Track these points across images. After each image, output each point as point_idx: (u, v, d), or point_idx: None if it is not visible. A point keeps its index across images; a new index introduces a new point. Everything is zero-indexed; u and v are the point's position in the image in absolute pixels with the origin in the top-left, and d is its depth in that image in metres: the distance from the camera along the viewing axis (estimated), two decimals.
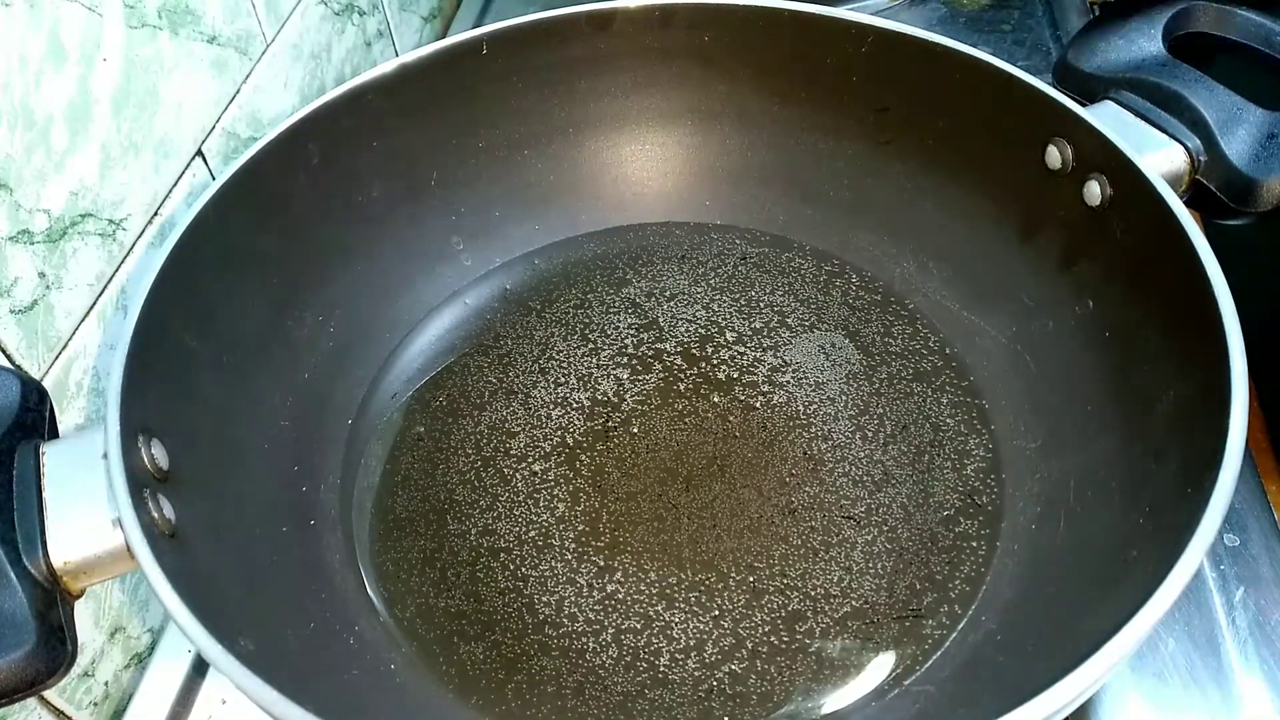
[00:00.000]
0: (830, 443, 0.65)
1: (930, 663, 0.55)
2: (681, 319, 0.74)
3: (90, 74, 0.59)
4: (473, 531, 0.63)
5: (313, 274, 0.70)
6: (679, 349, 0.72)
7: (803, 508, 0.62)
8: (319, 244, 0.70)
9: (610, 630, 0.58)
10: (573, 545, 0.62)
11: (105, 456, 0.48)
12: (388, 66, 0.70)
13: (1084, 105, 0.62)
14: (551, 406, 0.69)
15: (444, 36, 0.83)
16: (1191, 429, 0.50)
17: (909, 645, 0.56)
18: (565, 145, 0.80)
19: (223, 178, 0.62)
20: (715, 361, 0.71)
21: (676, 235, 0.81)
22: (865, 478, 0.64)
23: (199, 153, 0.71)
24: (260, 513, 0.60)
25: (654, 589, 0.59)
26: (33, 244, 0.56)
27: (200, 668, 0.66)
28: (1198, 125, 0.61)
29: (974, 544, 0.60)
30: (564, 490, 0.64)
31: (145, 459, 0.50)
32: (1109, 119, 0.62)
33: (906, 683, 0.55)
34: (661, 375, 0.70)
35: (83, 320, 0.60)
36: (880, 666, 0.56)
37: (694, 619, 0.58)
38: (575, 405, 0.69)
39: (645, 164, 0.82)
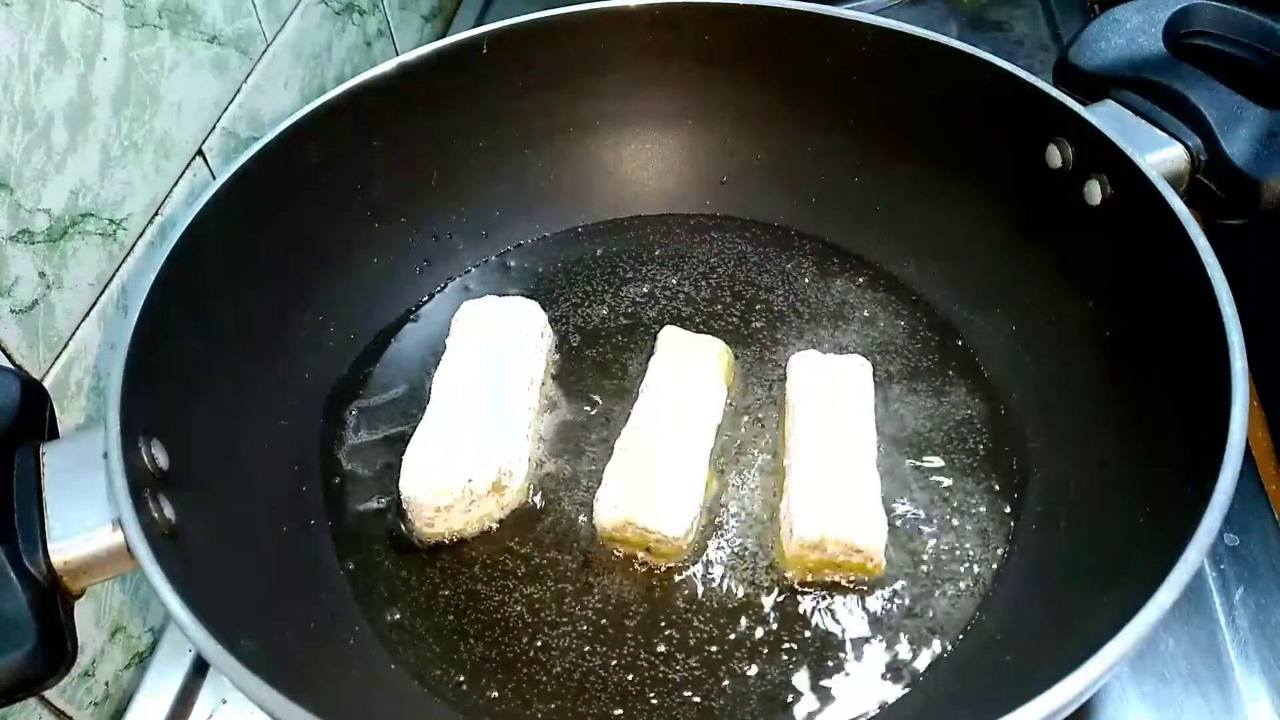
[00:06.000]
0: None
1: (931, 663, 0.55)
2: (681, 319, 0.74)
3: (90, 74, 0.59)
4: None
5: (313, 274, 0.70)
6: None
7: None
8: (319, 244, 0.70)
9: (611, 630, 0.58)
10: (574, 542, 0.62)
11: (105, 456, 0.48)
12: (388, 66, 0.70)
13: (1084, 105, 0.62)
14: (552, 405, 0.69)
15: (444, 36, 0.83)
16: (1191, 429, 0.50)
17: (911, 645, 0.56)
18: (565, 145, 0.80)
19: (223, 178, 0.62)
20: None
21: (677, 234, 0.80)
22: None
23: (199, 153, 0.71)
24: (260, 512, 0.60)
25: (655, 587, 0.59)
26: (33, 244, 0.56)
27: (200, 668, 0.66)
28: (1198, 125, 0.61)
29: (975, 544, 0.60)
30: (566, 487, 0.65)
31: (145, 459, 0.50)
32: (1109, 118, 0.62)
33: (909, 683, 0.55)
34: None
35: (83, 320, 0.60)
36: (882, 666, 0.56)
37: (696, 617, 0.58)
38: (575, 404, 0.69)
39: (646, 163, 0.82)
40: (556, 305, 0.75)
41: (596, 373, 0.71)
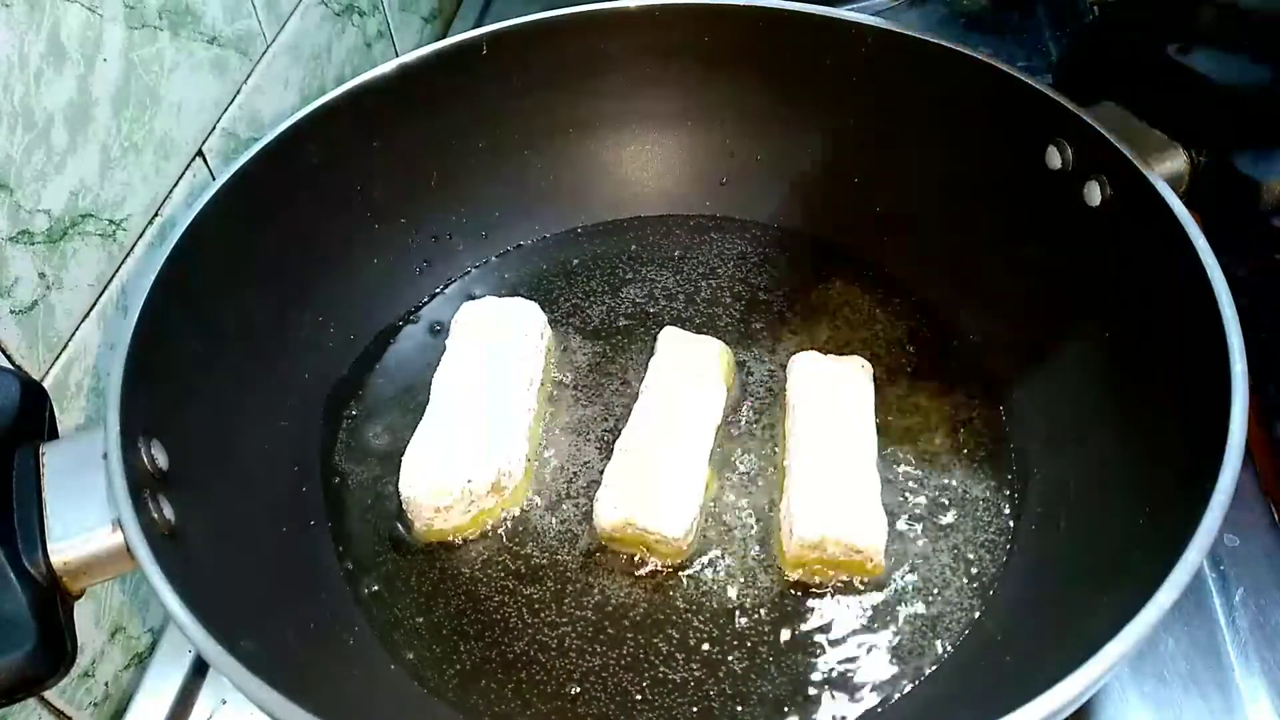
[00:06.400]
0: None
1: (932, 663, 0.55)
2: (681, 319, 0.74)
3: (90, 74, 0.59)
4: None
5: (313, 274, 0.70)
6: None
7: None
8: (319, 244, 0.70)
9: (611, 630, 0.58)
10: (574, 542, 0.62)
11: (105, 457, 0.48)
12: (388, 67, 0.70)
13: (1084, 106, 0.62)
14: (551, 405, 0.69)
15: (444, 37, 0.83)
16: (1191, 429, 0.50)
17: (910, 645, 0.56)
18: (565, 145, 0.80)
19: (223, 178, 0.62)
20: None
21: (676, 235, 0.80)
22: None
23: (199, 153, 0.71)
24: (260, 512, 0.60)
25: (655, 587, 0.59)
26: (33, 244, 0.56)
27: (200, 668, 0.66)
28: (1198, 126, 0.61)
29: (974, 544, 0.60)
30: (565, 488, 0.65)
31: (145, 459, 0.50)
32: (1109, 119, 0.62)
33: (909, 683, 0.55)
34: None
35: (83, 321, 0.60)
36: (883, 667, 0.56)
37: (696, 617, 0.58)
38: (575, 405, 0.69)
39: (645, 163, 0.82)
40: (556, 305, 0.75)
41: (596, 373, 0.71)
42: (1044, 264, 0.66)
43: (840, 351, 0.69)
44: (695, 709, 0.54)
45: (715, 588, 0.59)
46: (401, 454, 0.62)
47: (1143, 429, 0.56)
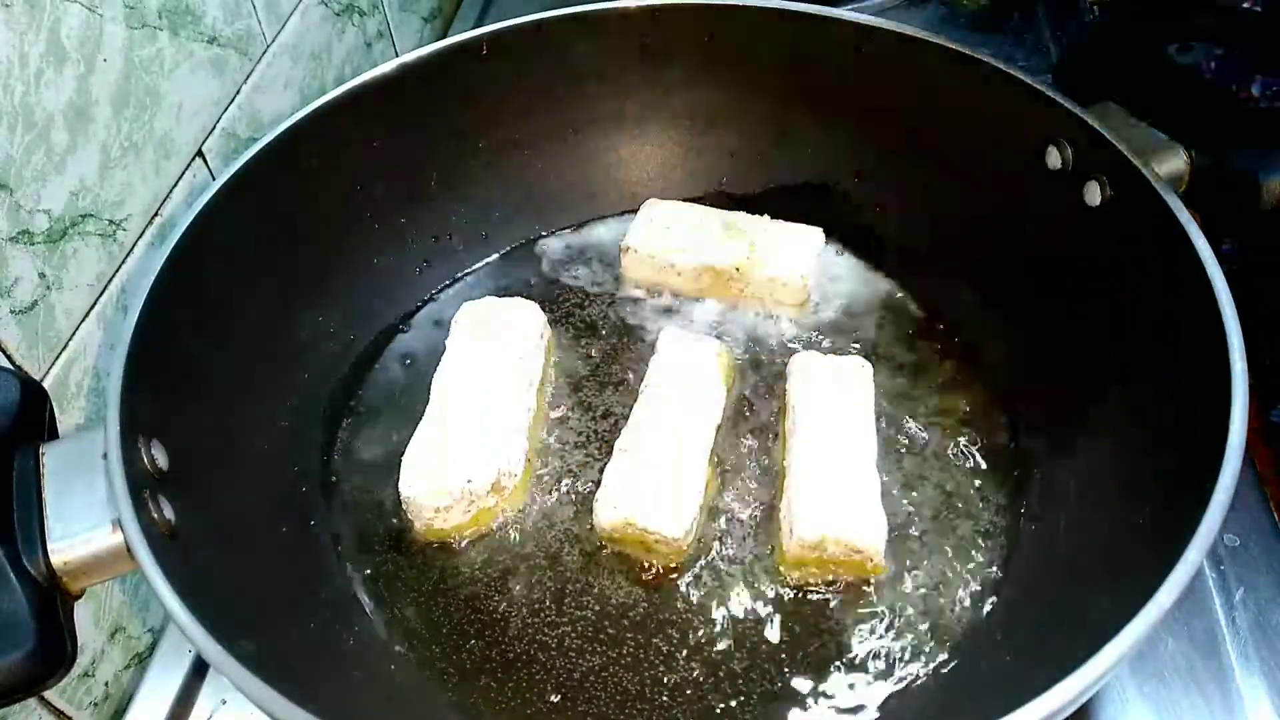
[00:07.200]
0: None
1: (932, 662, 0.55)
2: (680, 319, 0.74)
3: (90, 74, 0.59)
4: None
5: (313, 274, 0.70)
6: None
7: None
8: (319, 244, 0.70)
9: (611, 630, 0.58)
10: (574, 542, 0.62)
11: (105, 457, 0.48)
12: (388, 67, 0.70)
13: (1084, 106, 0.62)
14: (551, 405, 0.69)
15: (444, 37, 0.83)
16: (1192, 429, 0.50)
17: (911, 645, 0.56)
18: (565, 145, 0.80)
19: (223, 178, 0.62)
20: None
21: None
22: None
23: (199, 153, 0.71)
24: (260, 513, 0.60)
25: (655, 587, 0.59)
26: (33, 244, 0.56)
27: (200, 668, 0.66)
28: (1198, 126, 0.61)
29: (975, 545, 0.60)
30: (565, 487, 0.65)
31: (145, 459, 0.50)
32: (1109, 119, 0.62)
33: (909, 683, 0.55)
34: None
35: (83, 320, 0.60)
36: (883, 666, 0.56)
37: (696, 617, 0.58)
38: (575, 405, 0.69)
39: (645, 163, 0.81)
40: (556, 305, 0.75)
41: (596, 373, 0.71)
42: (1044, 264, 0.66)
43: (841, 352, 0.69)
44: (695, 709, 0.54)
45: (715, 588, 0.59)
46: (401, 454, 0.62)
47: (1143, 428, 0.56)
